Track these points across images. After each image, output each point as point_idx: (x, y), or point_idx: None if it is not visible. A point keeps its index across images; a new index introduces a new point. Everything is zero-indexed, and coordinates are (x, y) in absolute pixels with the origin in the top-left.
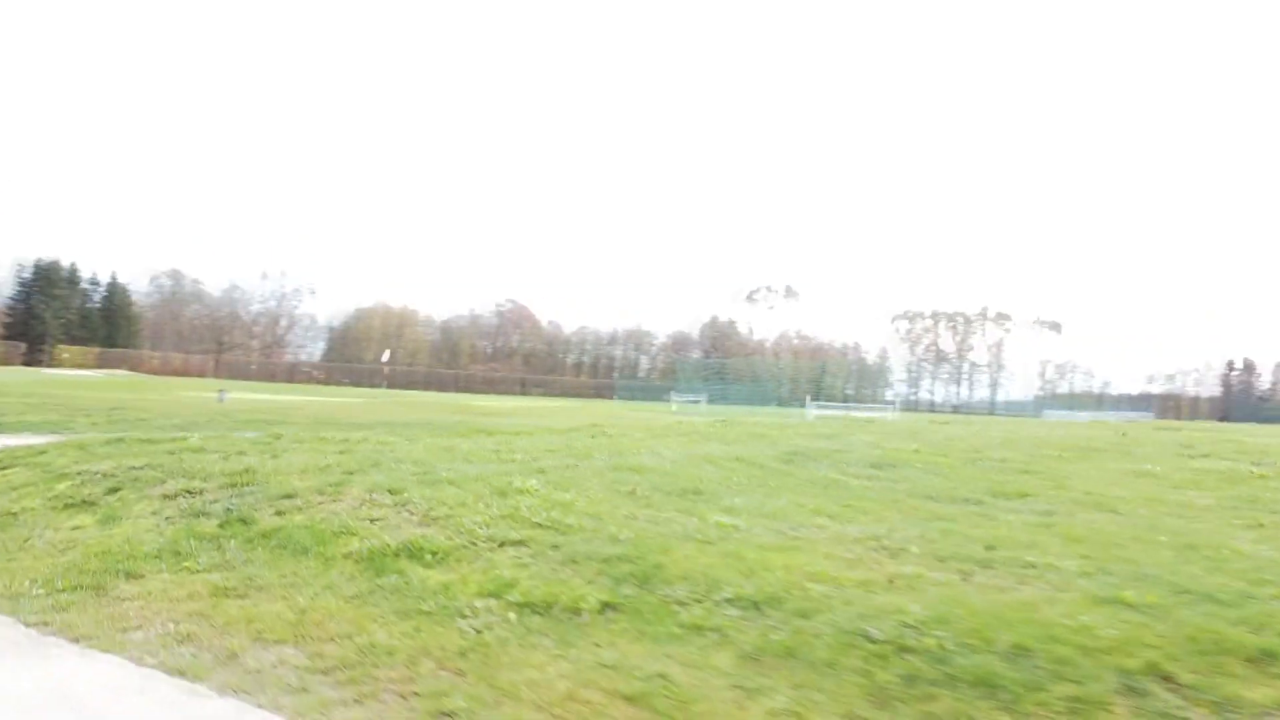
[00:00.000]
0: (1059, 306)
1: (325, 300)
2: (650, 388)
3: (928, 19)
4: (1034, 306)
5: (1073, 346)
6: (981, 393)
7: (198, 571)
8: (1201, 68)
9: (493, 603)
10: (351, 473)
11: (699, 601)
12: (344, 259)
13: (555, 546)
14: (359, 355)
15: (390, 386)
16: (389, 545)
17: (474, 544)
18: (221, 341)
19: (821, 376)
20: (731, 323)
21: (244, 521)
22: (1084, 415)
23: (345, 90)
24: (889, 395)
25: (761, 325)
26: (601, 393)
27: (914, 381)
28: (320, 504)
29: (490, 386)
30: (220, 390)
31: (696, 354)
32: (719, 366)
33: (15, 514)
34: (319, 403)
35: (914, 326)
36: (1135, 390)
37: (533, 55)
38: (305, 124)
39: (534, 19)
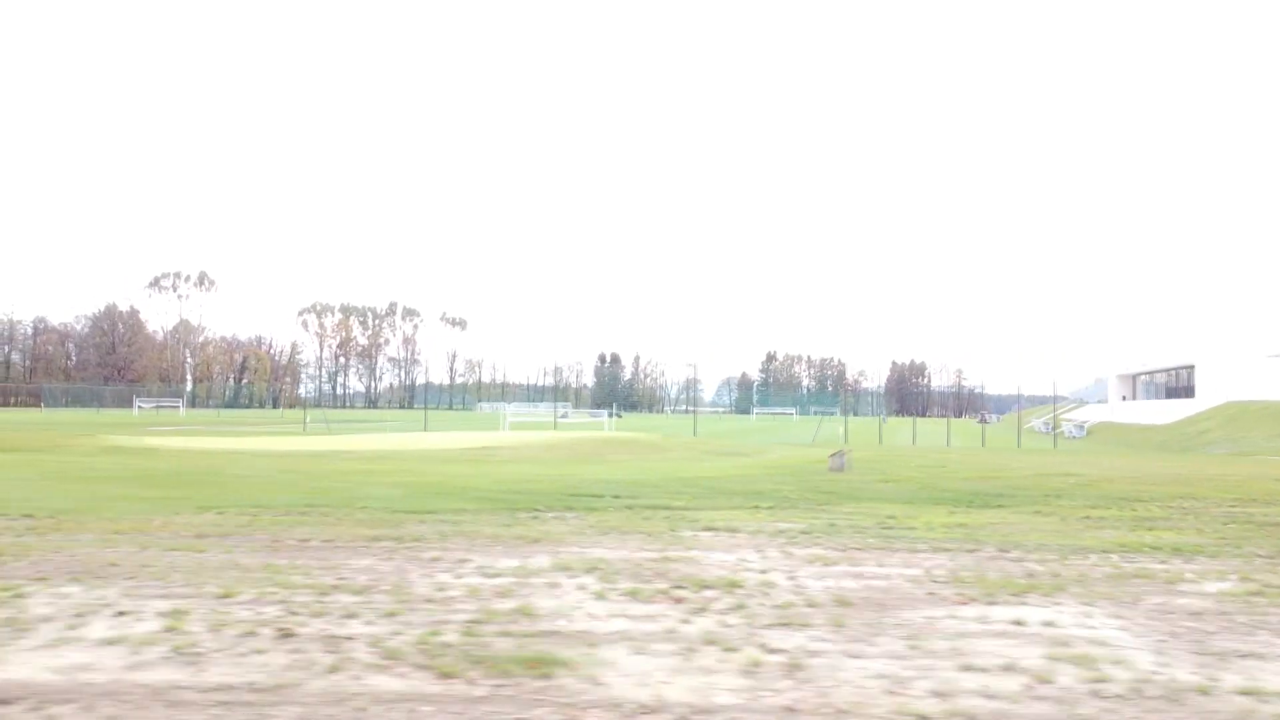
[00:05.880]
0: (464, 304)
1: None
2: (83, 393)
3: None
4: (441, 303)
5: (478, 341)
6: (399, 385)
7: None
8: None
9: None
10: None
11: None
12: None
13: None
14: None
15: None
16: None
17: None
18: None
19: (242, 374)
20: (135, 312)
21: None
22: (511, 407)
23: None
24: (301, 392)
25: (168, 316)
26: None
27: (330, 376)
28: None
29: None
30: None
31: (84, 350)
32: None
33: None
34: None
35: (323, 320)
36: (531, 381)
37: None
38: None
39: None
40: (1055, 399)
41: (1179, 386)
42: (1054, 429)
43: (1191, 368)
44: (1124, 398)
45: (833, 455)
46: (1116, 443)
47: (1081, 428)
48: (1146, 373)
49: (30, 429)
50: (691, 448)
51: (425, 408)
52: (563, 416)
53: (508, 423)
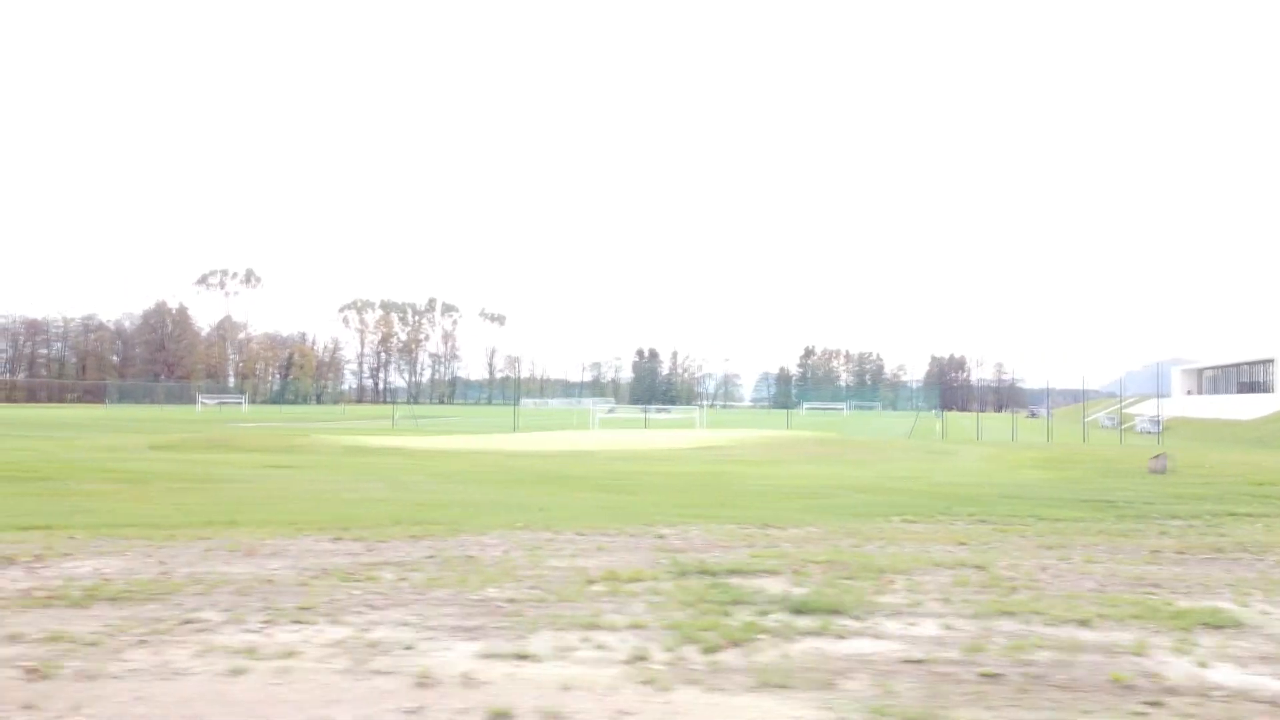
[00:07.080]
0: (502, 300)
1: None
2: (136, 389)
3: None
4: (480, 299)
5: (516, 337)
6: (440, 380)
7: None
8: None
9: None
10: None
11: None
12: None
13: None
14: None
15: None
16: None
17: None
18: None
19: (288, 370)
20: (184, 309)
21: None
22: (555, 402)
23: None
24: (344, 388)
25: (215, 313)
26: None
27: (373, 372)
28: None
29: None
30: None
31: (132, 346)
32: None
33: None
34: None
35: (364, 317)
36: (570, 377)
37: None
38: None
39: None
40: (1159, 394)
41: (1253, 382)
42: (1122, 424)
43: (1270, 362)
44: (1188, 392)
45: (1156, 457)
46: (1201, 438)
47: (1156, 423)
48: (1216, 367)
49: (204, 427)
50: (894, 448)
51: (520, 404)
52: (609, 412)
53: (597, 419)
